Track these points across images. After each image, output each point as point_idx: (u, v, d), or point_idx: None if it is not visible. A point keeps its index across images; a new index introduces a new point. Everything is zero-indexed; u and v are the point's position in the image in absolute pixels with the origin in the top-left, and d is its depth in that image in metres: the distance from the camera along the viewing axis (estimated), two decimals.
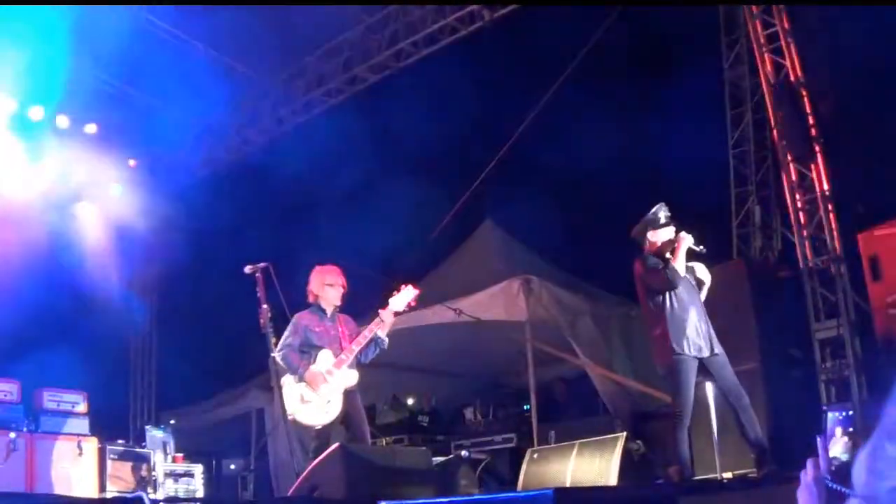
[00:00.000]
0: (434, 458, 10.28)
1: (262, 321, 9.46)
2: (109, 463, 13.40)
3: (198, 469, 15.28)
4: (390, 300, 10.33)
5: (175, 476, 14.84)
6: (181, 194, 18.59)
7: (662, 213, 9.75)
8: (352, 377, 10.06)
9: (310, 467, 8.64)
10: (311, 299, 10.44)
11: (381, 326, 10.17)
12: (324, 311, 10.35)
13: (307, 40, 17.25)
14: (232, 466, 18.74)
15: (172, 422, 17.89)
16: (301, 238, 16.82)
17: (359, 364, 10.22)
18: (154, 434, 15.35)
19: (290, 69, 18.05)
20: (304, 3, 15.03)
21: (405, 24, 16.35)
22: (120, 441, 14.34)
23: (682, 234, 9.54)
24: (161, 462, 14.72)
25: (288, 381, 10.00)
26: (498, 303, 13.75)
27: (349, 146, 17.47)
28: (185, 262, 18.35)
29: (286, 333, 10.18)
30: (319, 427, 9.97)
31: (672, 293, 9.33)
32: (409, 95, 16.88)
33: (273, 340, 9.59)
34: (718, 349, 9.26)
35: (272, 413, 16.52)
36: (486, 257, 16.06)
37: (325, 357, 10.02)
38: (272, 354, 9.57)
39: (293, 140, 18.18)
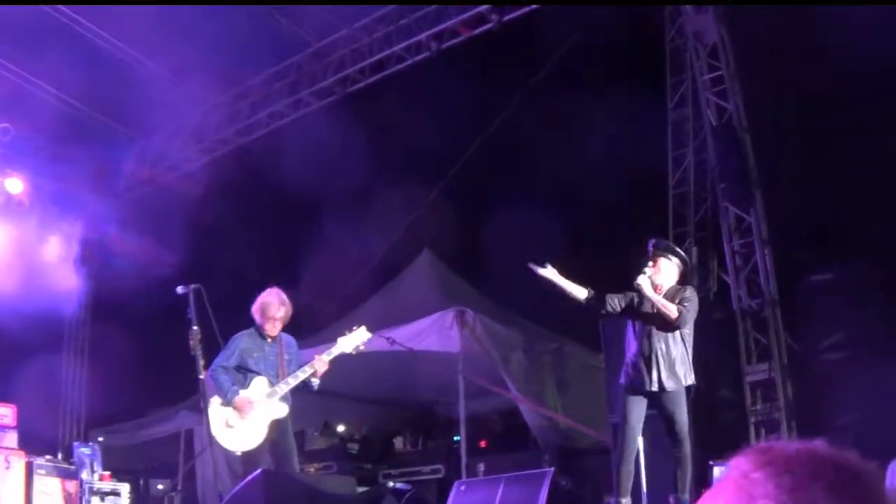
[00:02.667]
0: (359, 488, 10.21)
1: (191, 342, 9.35)
2: (37, 478, 13.21)
3: (125, 488, 15.09)
4: (339, 339, 10.19)
5: (102, 494, 14.64)
6: (121, 208, 18.49)
7: (656, 246, 9.78)
8: (281, 410, 9.90)
9: (231, 492, 8.55)
10: (255, 320, 10.31)
11: (316, 374, 9.97)
12: (264, 336, 10.20)
13: (255, 61, 17.21)
14: (159, 486, 18.55)
15: (101, 439, 17.68)
16: (237, 261, 16.75)
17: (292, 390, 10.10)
18: (82, 451, 15.14)
19: (236, 89, 17.97)
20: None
21: (352, 50, 16.36)
22: (48, 457, 14.15)
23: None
24: (88, 479, 14.54)
25: (215, 403, 9.83)
26: (431, 333, 13.72)
27: (292, 171, 17.44)
28: (119, 278, 18.21)
29: (223, 354, 10.06)
30: (240, 453, 9.86)
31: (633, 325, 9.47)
32: (356, 122, 16.84)
33: (202, 362, 9.45)
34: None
35: (202, 434, 16.39)
36: (423, 287, 16.04)
37: (258, 384, 9.87)
38: (200, 376, 9.46)
39: (233, 162, 18.11)
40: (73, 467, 14.16)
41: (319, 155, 16.59)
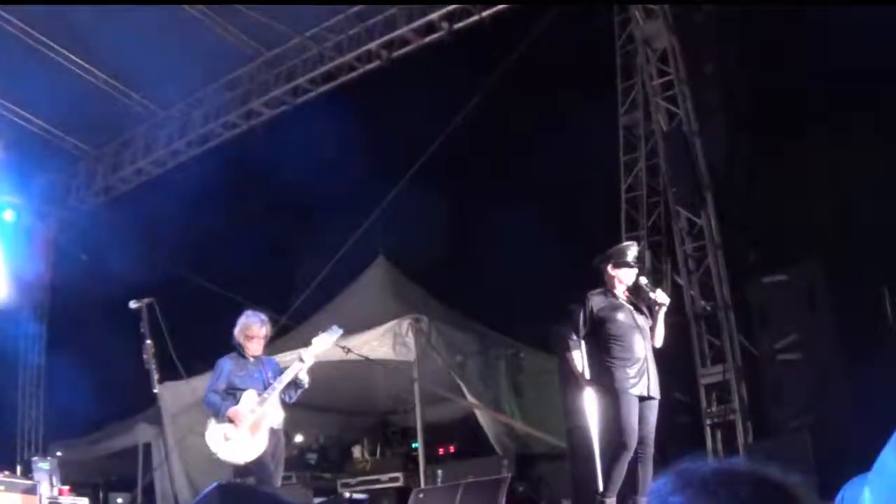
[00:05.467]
0: (316, 499, 10.23)
1: (145, 356, 9.36)
2: None
3: (83, 502, 15.03)
4: (313, 340, 10.22)
5: None
6: (73, 223, 18.41)
7: (631, 252, 9.73)
8: (276, 415, 9.94)
9: None
10: (236, 342, 10.29)
11: (302, 368, 9.98)
12: (246, 356, 10.20)
13: (207, 71, 17.18)
14: (119, 500, 18.46)
15: (59, 454, 17.59)
16: (192, 271, 16.73)
17: (283, 404, 10.10)
18: (41, 465, 15.05)
19: (188, 100, 17.93)
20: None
21: (303, 60, 16.35)
22: (6, 472, 14.07)
23: (662, 298, 9.61)
24: (47, 494, 14.46)
25: (211, 422, 9.88)
26: (387, 342, 13.73)
27: (245, 180, 17.43)
28: (76, 292, 18.15)
29: (211, 378, 10.13)
30: (242, 464, 9.87)
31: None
32: (308, 130, 16.84)
33: (156, 376, 9.47)
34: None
35: (160, 447, 16.34)
36: (377, 295, 16.07)
37: (248, 396, 9.86)
38: (155, 390, 9.43)
39: (187, 172, 18.06)
40: (32, 482, 14.06)
41: (270, 165, 16.61)
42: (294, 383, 10.06)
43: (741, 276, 12.70)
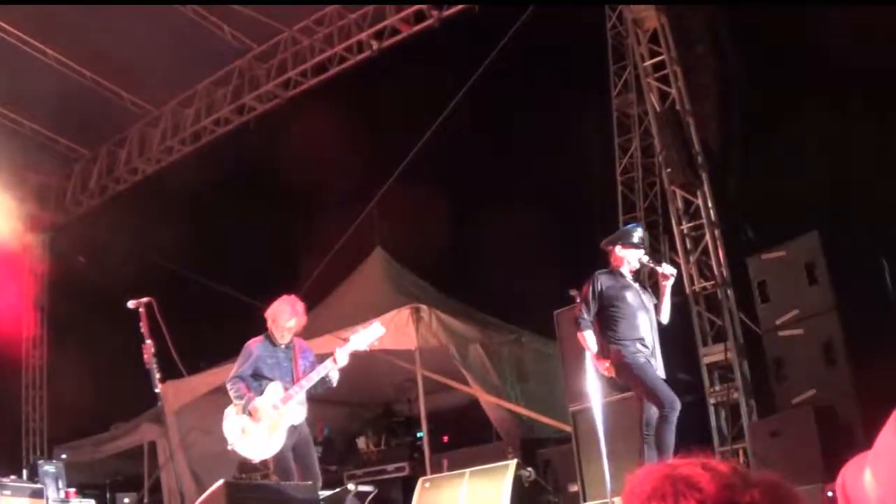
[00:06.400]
0: (322, 492, 10.19)
1: (145, 356, 9.32)
2: (2, 499, 13.14)
3: None
4: (351, 337, 10.10)
5: None
6: (70, 225, 18.43)
7: (637, 233, 9.78)
8: (299, 414, 9.79)
9: None
10: (267, 324, 10.17)
11: (334, 368, 9.81)
12: (276, 344, 10.06)
13: (198, 68, 17.16)
14: (126, 501, 18.46)
15: (65, 456, 17.60)
16: (191, 268, 16.73)
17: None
18: (46, 468, 15.06)
19: (179, 97, 17.91)
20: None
21: (293, 53, 16.33)
22: (13, 476, 14.08)
23: (669, 270, 9.65)
24: (54, 497, 14.47)
25: (231, 412, 9.80)
26: (388, 332, 13.71)
27: (238, 174, 17.43)
28: (76, 293, 18.16)
29: (238, 362, 10.02)
30: (257, 461, 9.87)
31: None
32: (301, 123, 16.83)
33: (157, 376, 9.41)
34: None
35: (164, 446, 16.34)
36: (376, 286, 16.05)
37: (273, 390, 9.74)
38: (156, 390, 9.40)
39: (182, 169, 18.06)
40: (38, 486, 14.08)
41: (266, 159, 16.60)
42: (323, 380, 9.90)
43: (740, 254, 12.67)
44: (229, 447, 9.68)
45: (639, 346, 9.24)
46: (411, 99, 16.14)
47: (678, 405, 8.96)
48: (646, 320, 9.41)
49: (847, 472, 2.20)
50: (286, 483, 9.51)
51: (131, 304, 9.49)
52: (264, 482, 11.10)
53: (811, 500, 7.78)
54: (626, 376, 9.34)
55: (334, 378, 9.96)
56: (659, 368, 9.29)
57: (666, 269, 9.62)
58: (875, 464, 2.06)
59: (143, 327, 9.34)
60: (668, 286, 9.58)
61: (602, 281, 9.52)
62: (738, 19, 13.37)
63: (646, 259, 9.70)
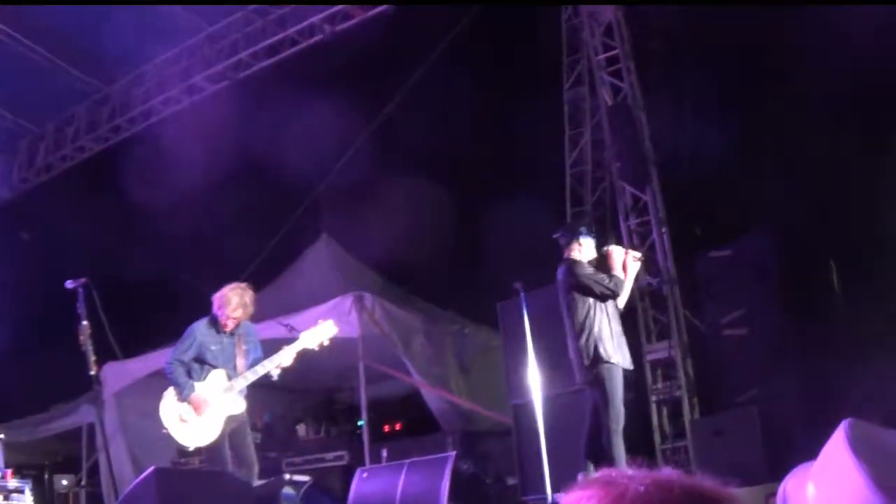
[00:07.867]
0: (259, 480, 10.09)
1: (81, 337, 9.16)
2: None
3: (28, 485, 14.88)
4: (301, 334, 10.07)
5: (6, 492, 14.40)
6: (11, 201, 18.21)
7: (585, 223, 9.76)
8: (238, 405, 9.72)
9: (125, 491, 8.41)
10: (213, 308, 9.96)
11: (279, 364, 9.74)
12: (220, 330, 9.88)
13: (148, 46, 16.96)
14: (64, 482, 18.31)
15: (2, 436, 17.40)
16: (133, 249, 16.57)
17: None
18: None
19: (130, 76, 17.69)
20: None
21: (245, 34, 16.14)
22: None
23: (633, 254, 9.60)
24: None
25: (169, 396, 9.68)
26: (330, 319, 13.62)
27: (187, 156, 17.24)
28: (14, 273, 17.94)
29: (180, 346, 9.85)
30: (191, 449, 9.75)
31: (605, 303, 9.21)
32: (248, 107, 16.68)
33: (93, 358, 9.26)
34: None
35: (103, 429, 16.18)
36: (321, 273, 15.97)
37: (215, 378, 9.67)
38: (91, 372, 9.24)
39: (131, 149, 17.87)
40: None
41: (214, 140, 16.43)
42: (265, 375, 9.80)
43: (686, 251, 12.67)
44: (164, 431, 9.56)
45: (610, 342, 9.16)
46: (362, 83, 16.04)
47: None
48: (615, 311, 9.36)
49: (789, 484, 2.11)
50: (220, 471, 9.40)
51: (69, 283, 9.32)
52: (198, 468, 10.99)
53: (753, 500, 7.73)
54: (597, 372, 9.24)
55: (276, 374, 9.85)
56: (628, 360, 9.19)
57: (634, 253, 9.58)
58: (819, 479, 1.98)
59: (80, 307, 9.19)
60: (634, 270, 9.50)
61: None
62: (694, 18, 13.35)
63: (603, 249, 9.59)
